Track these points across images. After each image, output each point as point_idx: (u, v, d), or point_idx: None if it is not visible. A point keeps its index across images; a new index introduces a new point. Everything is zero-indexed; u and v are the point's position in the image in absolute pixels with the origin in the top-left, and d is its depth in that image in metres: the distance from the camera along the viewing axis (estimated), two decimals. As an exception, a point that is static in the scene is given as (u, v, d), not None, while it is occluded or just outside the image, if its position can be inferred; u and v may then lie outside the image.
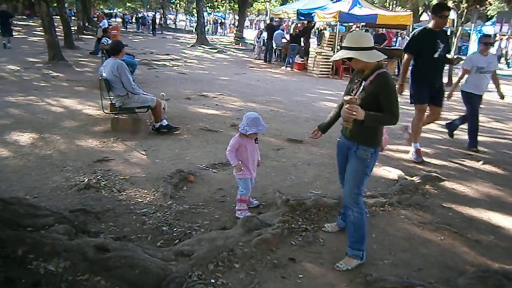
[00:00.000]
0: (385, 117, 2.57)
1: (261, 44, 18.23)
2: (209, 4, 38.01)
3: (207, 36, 24.54)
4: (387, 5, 28.23)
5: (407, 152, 5.44)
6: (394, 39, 19.08)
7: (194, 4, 28.58)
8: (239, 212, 3.37)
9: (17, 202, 2.76)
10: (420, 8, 27.83)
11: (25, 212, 2.66)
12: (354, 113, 2.47)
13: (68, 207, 3.32)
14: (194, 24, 32.44)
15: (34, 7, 30.65)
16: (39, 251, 2.34)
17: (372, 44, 2.62)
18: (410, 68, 5.11)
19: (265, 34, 17.38)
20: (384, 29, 16.71)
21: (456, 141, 6.27)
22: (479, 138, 5.87)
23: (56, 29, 12.08)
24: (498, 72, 6.00)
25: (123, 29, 29.54)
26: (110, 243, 2.57)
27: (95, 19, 27.34)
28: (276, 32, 16.17)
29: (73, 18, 30.04)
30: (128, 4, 48.51)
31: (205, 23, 29.43)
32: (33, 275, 2.24)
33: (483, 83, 5.70)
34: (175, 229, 3.13)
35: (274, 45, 16.43)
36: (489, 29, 22.67)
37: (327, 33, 14.70)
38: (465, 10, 13.89)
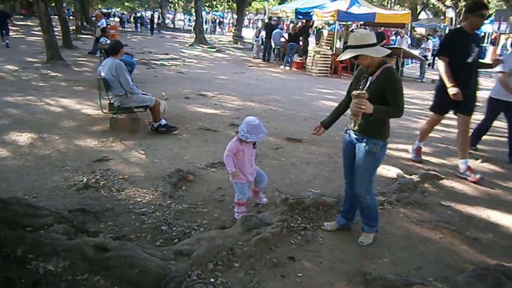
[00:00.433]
0: (391, 110, 2.70)
1: (260, 43, 18.22)
2: (207, 3, 37.94)
3: (205, 35, 24.54)
4: (386, 4, 28.25)
5: (405, 150, 5.45)
6: (393, 38, 19.08)
7: (193, 3, 28.54)
8: (237, 214, 3.36)
9: (16, 202, 2.75)
10: (418, 6, 27.86)
11: (24, 212, 2.66)
12: (363, 107, 2.56)
13: (67, 207, 3.32)
14: (193, 24, 32.42)
15: (32, 7, 30.65)
16: (39, 251, 2.34)
17: (376, 40, 2.75)
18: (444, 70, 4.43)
19: (263, 33, 17.37)
20: (382, 28, 16.71)
21: (454, 139, 6.27)
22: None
23: (54, 28, 12.06)
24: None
25: (121, 29, 29.52)
26: (109, 242, 2.57)
27: (94, 18, 27.27)
28: (275, 31, 16.15)
29: (71, 17, 29.94)
30: (126, 4, 48.40)
31: (204, 22, 29.39)
32: (32, 275, 2.24)
33: None
34: (174, 228, 3.13)
35: (272, 44, 16.43)
36: (487, 27, 22.70)
37: (325, 32, 14.71)
38: (464, 8, 13.90)
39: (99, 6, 45.08)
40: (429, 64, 17.44)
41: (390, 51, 2.84)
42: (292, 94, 9.71)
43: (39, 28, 12.81)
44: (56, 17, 16.75)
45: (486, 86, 9.94)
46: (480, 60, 4.73)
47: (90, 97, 7.55)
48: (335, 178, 4.39)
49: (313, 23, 19.42)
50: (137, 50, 16.38)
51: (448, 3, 26.78)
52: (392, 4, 29.53)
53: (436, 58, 5.16)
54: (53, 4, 18.61)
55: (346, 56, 2.79)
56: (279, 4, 25.49)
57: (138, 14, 41.52)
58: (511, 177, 4.80)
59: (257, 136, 3.18)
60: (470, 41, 4.37)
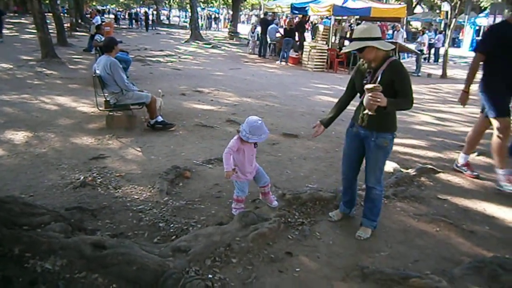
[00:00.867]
0: (403, 102, 2.73)
1: (255, 38, 18.18)
2: (202, -1, 37.82)
3: (201, 32, 24.43)
4: (381, -2, 28.19)
5: (402, 144, 5.46)
6: (390, 32, 19.08)
7: (188, -1, 28.43)
8: (234, 210, 3.35)
9: (12, 200, 2.74)
10: (413, 0, 27.83)
11: (21, 211, 2.64)
12: (379, 99, 2.57)
13: (64, 205, 3.31)
14: (188, 20, 32.27)
15: (25, 4, 30.41)
16: (36, 249, 2.33)
17: (380, 34, 2.79)
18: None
19: (259, 29, 17.33)
20: (378, 22, 16.70)
21: (450, 133, 6.30)
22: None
23: (49, 26, 11.97)
24: None
25: (116, 26, 29.33)
26: (106, 240, 2.57)
27: (88, 15, 27.08)
28: (270, 26, 16.12)
29: (65, 15, 29.75)
30: (121, 0, 48.14)
31: (199, 18, 29.27)
32: (30, 274, 2.23)
33: None
34: (171, 225, 3.13)
35: (268, 39, 16.39)
36: (482, 20, 22.72)
37: (321, 27, 14.69)
38: (459, 2, 13.91)
39: (94, 3, 44.81)
40: (424, 58, 17.46)
41: (394, 46, 2.86)
42: (288, 89, 9.70)
43: (33, 25, 12.69)
44: (51, 14, 16.64)
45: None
46: None
47: (86, 94, 7.52)
48: (332, 173, 4.40)
49: (309, 18, 19.39)
50: (132, 47, 16.29)
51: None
52: (388, -2, 29.53)
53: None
54: (47, 1, 18.50)
55: (352, 47, 2.79)
56: (274, -1, 25.43)
57: (133, 11, 41.31)
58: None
59: (259, 137, 3.14)
60: None
